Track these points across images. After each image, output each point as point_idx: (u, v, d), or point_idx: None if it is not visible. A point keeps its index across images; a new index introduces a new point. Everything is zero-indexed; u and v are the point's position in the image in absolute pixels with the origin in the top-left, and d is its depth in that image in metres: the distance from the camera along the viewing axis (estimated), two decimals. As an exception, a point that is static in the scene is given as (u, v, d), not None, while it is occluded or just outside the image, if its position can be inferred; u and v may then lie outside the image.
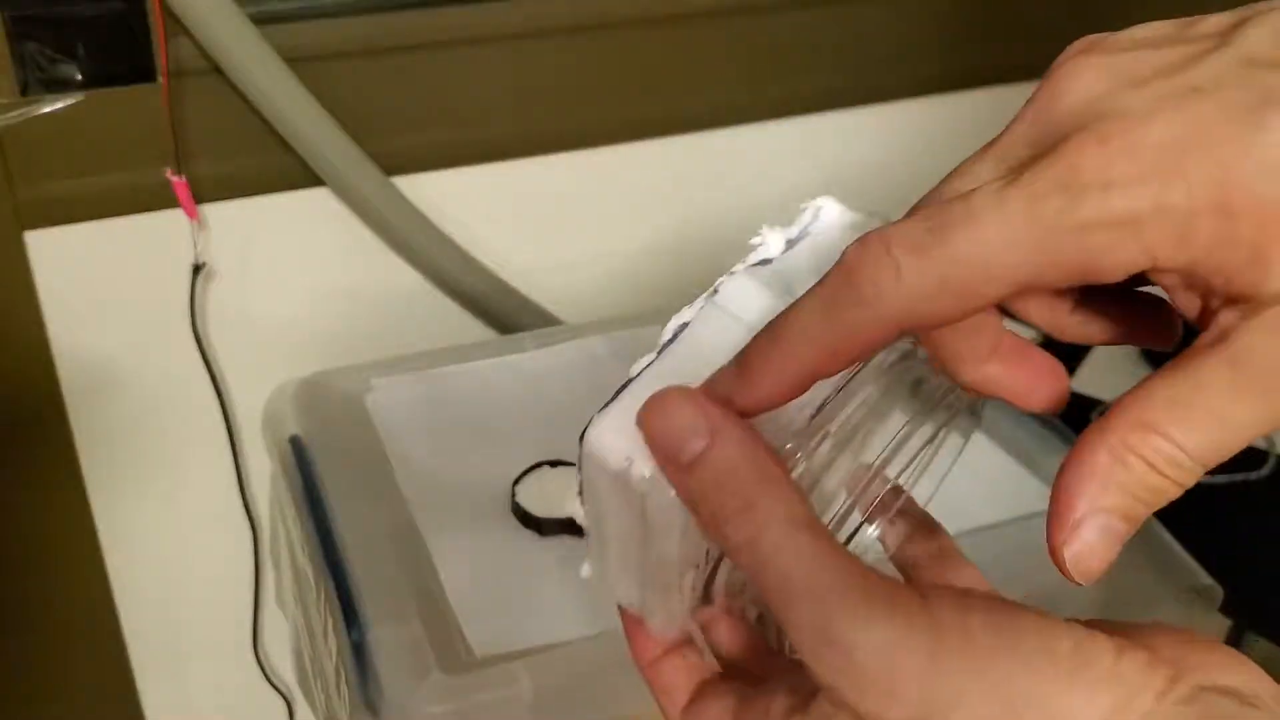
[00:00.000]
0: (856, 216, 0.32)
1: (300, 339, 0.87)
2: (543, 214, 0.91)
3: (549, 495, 0.67)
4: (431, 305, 0.89)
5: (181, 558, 0.91)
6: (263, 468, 0.85)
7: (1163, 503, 0.24)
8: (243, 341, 0.85)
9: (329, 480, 0.67)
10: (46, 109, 0.73)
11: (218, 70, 0.75)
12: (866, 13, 0.94)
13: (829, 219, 0.32)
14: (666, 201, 0.94)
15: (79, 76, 0.73)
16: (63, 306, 0.79)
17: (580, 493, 0.31)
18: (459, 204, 0.87)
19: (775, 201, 0.99)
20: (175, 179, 0.77)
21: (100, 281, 0.80)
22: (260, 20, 0.75)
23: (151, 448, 0.87)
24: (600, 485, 0.29)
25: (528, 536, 0.66)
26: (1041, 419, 0.73)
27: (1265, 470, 0.78)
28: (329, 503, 0.66)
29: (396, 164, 0.83)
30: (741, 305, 0.30)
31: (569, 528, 0.65)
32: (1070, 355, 0.92)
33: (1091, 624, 0.24)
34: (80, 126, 0.74)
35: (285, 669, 0.97)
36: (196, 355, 0.83)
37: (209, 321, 0.84)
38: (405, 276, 0.87)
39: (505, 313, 0.89)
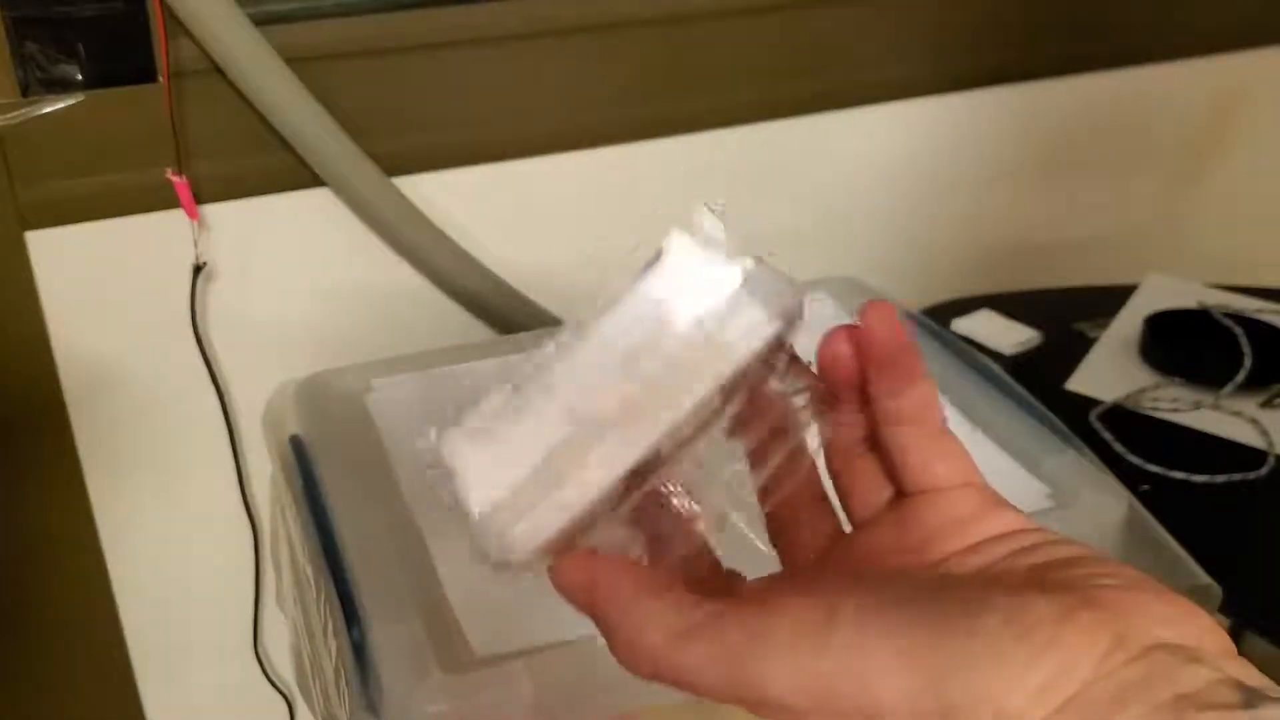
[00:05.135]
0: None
1: (300, 339, 0.87)
2: (543, 214, 0.91)
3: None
4: (431, 305, 0.89)
5: (181, 558, 0.91)
6: (263, 468, 0.85)
7: None
8: (243, 341, 0.85)
9: (329, 480, 0.67)
10: (47, 109, 0.73)
11: (218, 70, 0.75)
12: (867, 13, 0.94)
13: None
14: (667, 201, 0.94)
15: (79, 77, 0.73)
16: (63, 306, 0.79)
17: None
18: (459, 204, 0.87)
19: (775, 200, 0.99)
20: (176, 179, 0.77)
21: (101, 281, 0.80)
22: (260, 20, 0.75)
23: (151, 448, 0.87)
24: None
25: (528, 536, 0.65)
26: (1041, 419, 0.73)
27: (1265, 470, 0.78)
28: (329, 503, 0.65)
29: (396, 164, 0.83)
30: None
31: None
32: (1069, 355, 0.92)
33: (1036, 585, 0.24)
34: (81, 127, 0.74)
35: (285, 669, 0.97)
36: (197, 355, 0.83)
37: (209, 321, 0.84)
38: (405, 276, 0.87)
39: (505, 313, 0.89)
